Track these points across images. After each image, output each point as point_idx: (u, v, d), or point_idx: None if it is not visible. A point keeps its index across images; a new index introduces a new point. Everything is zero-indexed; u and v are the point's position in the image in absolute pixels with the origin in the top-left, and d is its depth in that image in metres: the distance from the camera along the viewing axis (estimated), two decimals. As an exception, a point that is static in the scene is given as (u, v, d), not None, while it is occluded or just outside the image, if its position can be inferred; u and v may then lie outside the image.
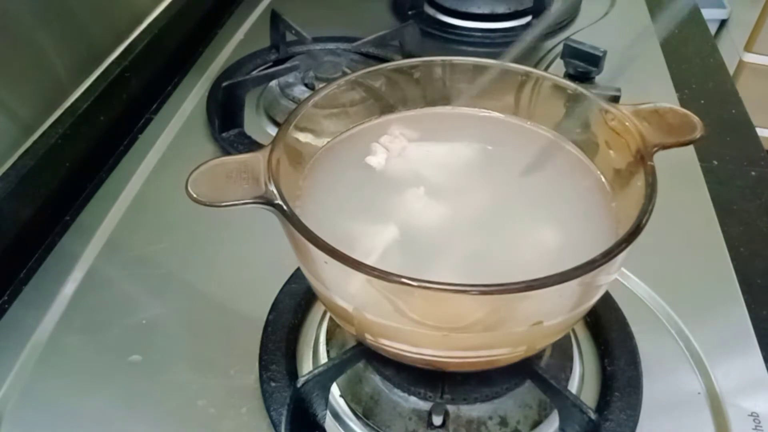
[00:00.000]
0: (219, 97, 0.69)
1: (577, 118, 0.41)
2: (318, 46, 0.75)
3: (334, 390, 0.43)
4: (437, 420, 0.40)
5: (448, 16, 0.84)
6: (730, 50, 1.48)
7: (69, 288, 0.50)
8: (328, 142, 0.42)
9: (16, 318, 0.48)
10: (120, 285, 0.51)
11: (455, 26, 0.83)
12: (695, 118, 0.38)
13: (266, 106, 0.70)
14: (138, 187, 0.60)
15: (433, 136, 0.43)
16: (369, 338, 0.36)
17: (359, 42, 0.75)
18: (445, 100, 0.44)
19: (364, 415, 0.41)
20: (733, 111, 0.69)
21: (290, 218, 0.32)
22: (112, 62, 0.66)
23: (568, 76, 0.71)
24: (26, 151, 0.54)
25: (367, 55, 0.74)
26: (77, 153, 0.60)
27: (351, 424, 0.42)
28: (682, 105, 0.54)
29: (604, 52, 0.69)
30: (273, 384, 0.42)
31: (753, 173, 0.61)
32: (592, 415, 0.37)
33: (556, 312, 0.32)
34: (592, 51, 0.69)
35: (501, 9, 0.82)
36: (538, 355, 0.42)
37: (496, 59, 0.41)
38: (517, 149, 0.41)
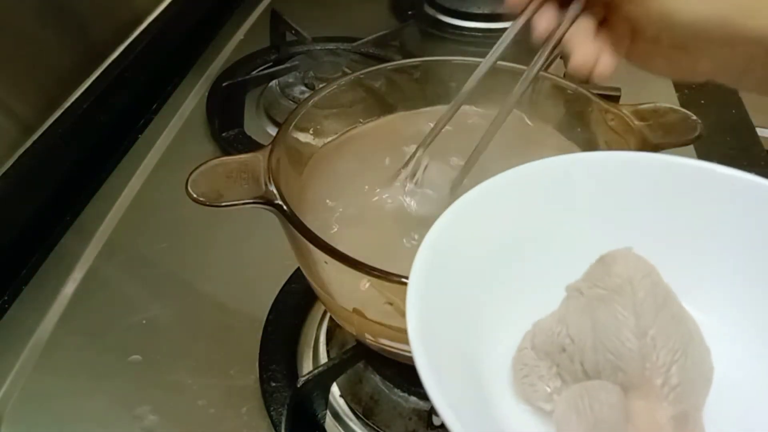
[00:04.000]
0: (219, 97, 0.69)
1: (577, 118, 0.41)
2: (318, 46, 0.75)
3: (334, 390, 0.43)
4: (437, 420, 0.40)
5: (448, 16, 0.84)
6: (730, 50, 1.48)
7: (69, 288, 0.50)
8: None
9: (16, 318, 0.48)
10: (120, 285, 0.51)
11: (455, 26, 0.83)
12: (695, 118, 0.38)
13: (266, 106, 0.70)
14: (138, 187, 0.60)
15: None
16: (369, 338, 0.36)
17: (359, 42, 0.75)
18: (444, 100, 0.44)
19: (364, 415, 0.41)
20: (733, 111, 0.69)
21: (290, 218, 0.32)
22: (112, 62, 0.66)
23: (568, 76, 0.71)
24: (26, 151, 0.54)
25: (367, 55, 0.74)
26: (77, 153, 0.60)
27: (351, 424, 0.42)
28: (682, 105, 0.54)
29: (604, 52, 0.69)
30: (273, 384, 0.42)
31: (753, 173, 0.61)
32: None
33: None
34: (592, 51, 0.69)
35: (501, 9, 0.82)
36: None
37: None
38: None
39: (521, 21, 0.35)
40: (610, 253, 0.26)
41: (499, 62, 0.38)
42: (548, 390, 0.25)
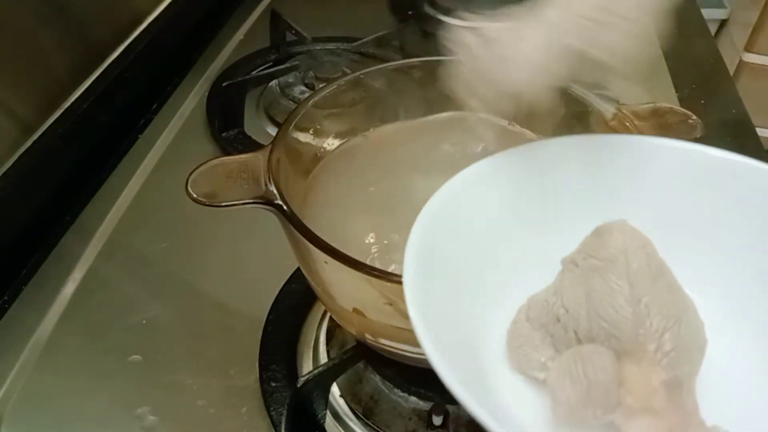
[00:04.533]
0: (219, 97, 0.69)
1: (577, 119, 0.41)
2: (318, 46, 0.75)
3: (334, 390, 0.43)
4: (437, 420, 0.40)
5: (448, 16, 0.84)
6: (730, 50, 1.48)
7: (69, 288, 0.50)
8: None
9: (16, 318, 0.48)
10: (120, 285, 0.51)
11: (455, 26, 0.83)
12: (695, 118, 0.38)
13: (266, 106, 0.70)
14: (138, 187, 0.60)
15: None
16: (369, 338, 0.36)
17: (359, 42, 0.75)
18: (444, 100, 0.44)
19: (364, 415, 0.41)
20: (733, 111, 0.69)
21: (290, 218, 0.32)
22: (112, 62, 0.66)
23: (568, 76, 0.71)
24: (26, 151, 0.54)
25: (367, 55, 0.74)
26: (77, 153, 0.60)
27: (351, 424, 0.42)
28: (682, 105, 0.54)
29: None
30: (273, 384, 0.42)
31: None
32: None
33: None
34: (592, 51, 0.69)
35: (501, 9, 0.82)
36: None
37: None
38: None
39: None
40: (605, 225, 0.26)
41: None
42: (542, 359, 0.26)
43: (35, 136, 0.56)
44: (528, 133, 0.43)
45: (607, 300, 0.24)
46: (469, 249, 0.28)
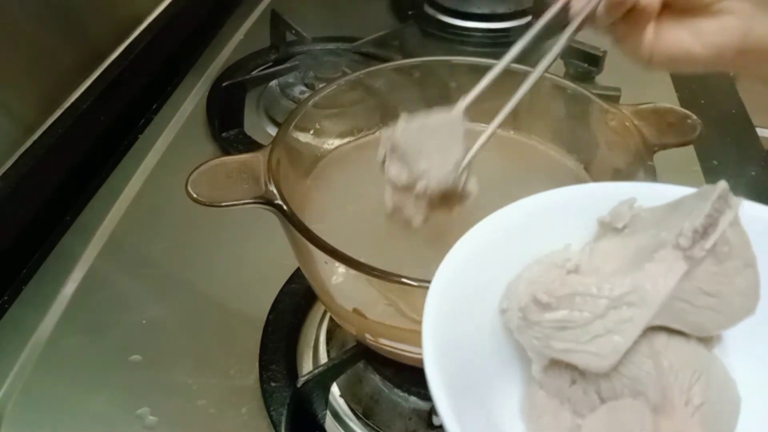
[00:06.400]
0: (219, 97, 0.69)
1: (577, 119, 0.41)
2: (318, 46, 0.75)
3: (334, 390, 0.43)
4: (437, 420, 0.40)
5: (448, 16, 0.84)
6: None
7: (69, 288, 0.50)
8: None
9: (16, 318, 0.48)
10: (120, 285, 0.51)
11: (455, 26, 0.83)
12: (695, 118, 0.38)
13: (266, 106, 0.70)
14: (138, 187, 0.60)
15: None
16: (369, 338, 0.36)
17: (359, 42, 0.75)
18: (444, 100, 0.44)
19: (364, 415, 0.41)
20: (733, 111, 0.69)
21: (290, 218, 0.32)
22: (112, 62, 0.66)
23: (568, 76, 0.71)
24: (26, 151, 0.54)
25: (367, 55, 0.74)
26: (77, 153, 0.60)
27: (351, 424, 0.42)
28: (682, 105, 0.54)
29: (605, 52, 0.69)
30: (273, 384, 0.42)
31: (753, 173, 0.61)
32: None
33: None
34: (592, 51, 0.69)
35: (501, 9, 0.82)
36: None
37: (497, 59, 0.41)
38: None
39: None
40: None
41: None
42: (567, 424, 0.24)
43: (35, 136, 0.56)
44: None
45: (626, 356, 0.23)
46: (489, 305, 0.25)
